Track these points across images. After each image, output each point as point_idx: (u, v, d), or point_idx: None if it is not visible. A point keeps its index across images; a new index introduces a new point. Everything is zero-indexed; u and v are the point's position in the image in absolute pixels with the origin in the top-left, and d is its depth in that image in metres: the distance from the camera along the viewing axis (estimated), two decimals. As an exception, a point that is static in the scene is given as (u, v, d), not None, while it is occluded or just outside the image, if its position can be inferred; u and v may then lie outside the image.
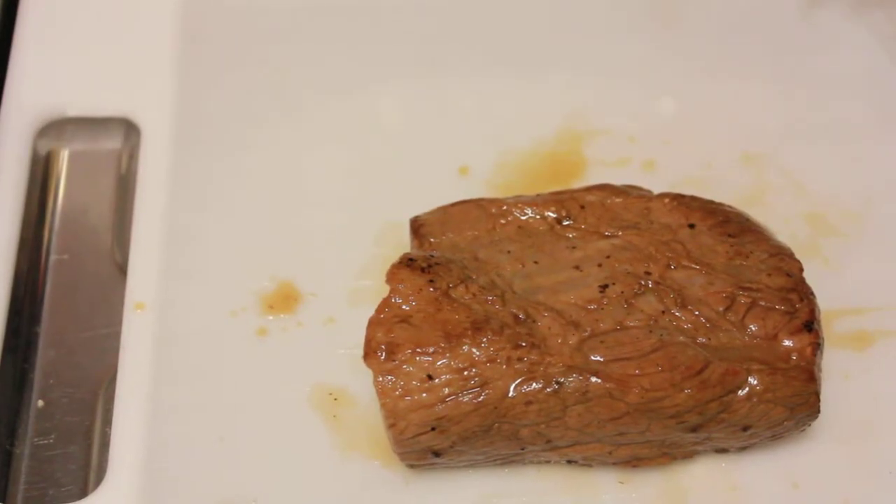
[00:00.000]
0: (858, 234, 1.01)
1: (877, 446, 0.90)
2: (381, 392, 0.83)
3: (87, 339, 0.97)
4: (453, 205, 0.93)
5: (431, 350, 0.83)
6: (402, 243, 0.96)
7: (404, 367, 0.83)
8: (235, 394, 0.92)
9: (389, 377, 0.83)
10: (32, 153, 1.05)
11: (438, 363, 0.83)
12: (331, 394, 0.92)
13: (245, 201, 1.02)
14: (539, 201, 0.93)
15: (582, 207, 0.92)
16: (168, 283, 0.97)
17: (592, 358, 0.83)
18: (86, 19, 1.14)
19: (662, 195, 0.93)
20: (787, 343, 0.85)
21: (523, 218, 0.92)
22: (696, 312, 0.86)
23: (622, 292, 0.87)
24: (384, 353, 0.83)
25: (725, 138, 1.07)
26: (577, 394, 0.83)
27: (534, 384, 0.83)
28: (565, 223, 0.92)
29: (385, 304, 0.85)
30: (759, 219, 0.94)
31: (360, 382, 0.91)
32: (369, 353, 0.83)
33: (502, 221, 0.92)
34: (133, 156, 1.07)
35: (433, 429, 0.83)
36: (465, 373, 0.83)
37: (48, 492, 0.90)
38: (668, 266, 0.88)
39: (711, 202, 0.93)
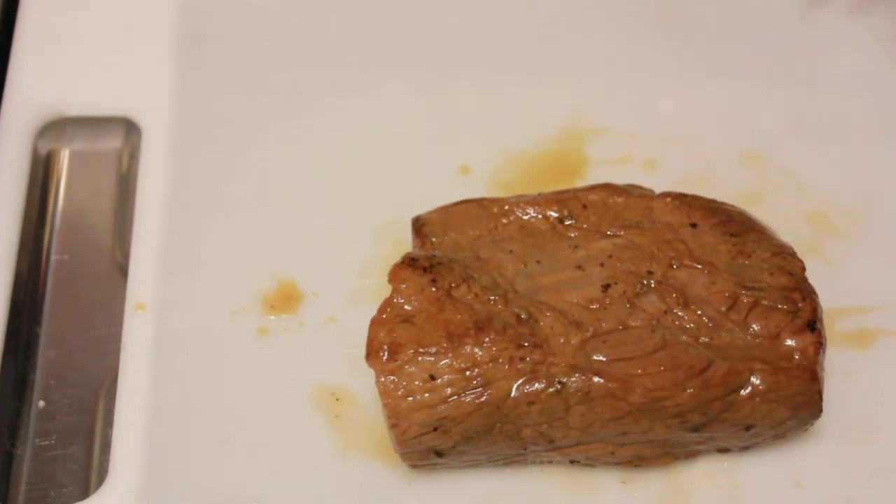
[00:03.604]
0: (859, 232, 1.02)
1: (879, 445, 0.90)
2: (384, 392, 0.82)
3: (87, 340, 0.97)
4: (455, 204, 0.93)
5: (434, 350, 0.83)
6: (404, 243, 0.96)
7: (406, 367, 0.83)
8: (237, 394, 0.92)
9: (392, 377, 0.82)
10: (33, 153, 1.05)
11: (441, 363, 0.83)
12: (332, 394, 0.92)
13: (246, 201, 1.02)
14: (541, 201, 0.92)
15: (584, 207, 0.92)
16: (169, 283, 0.97)
17: (595, 358, 0.83)
18: (86, 19, 1.14)
19: (664, 194, 0.93)
20: (789, 342, 0.85)
21: (525, 217, 0.92)
22: (699, 312, 0.86)
23: (624, 292, 0.87)
24: (386, 353, 0.83)
25: (726, 137, 1.07)
26: (579, 394, 0.82)
27: (536, 384, 0.83)
28: (567, 222, 0.92)
29: (387, 303, 0.85)
30: (761, 218, 0.94)
31: (361, 382, 0.91)
32: (371, 353, 0.83)
33: (504, 221, 0.92)
34: (134, 155, 1.07)
35: (435, 429, 0.83)
36: (468, 373, 0.83)
37: (49, 493, 0.90)
38: (671, 265, 0.88)
39: (713, 201, 0.93)
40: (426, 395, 0.82)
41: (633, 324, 0.85)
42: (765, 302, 0.86)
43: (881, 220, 1.02)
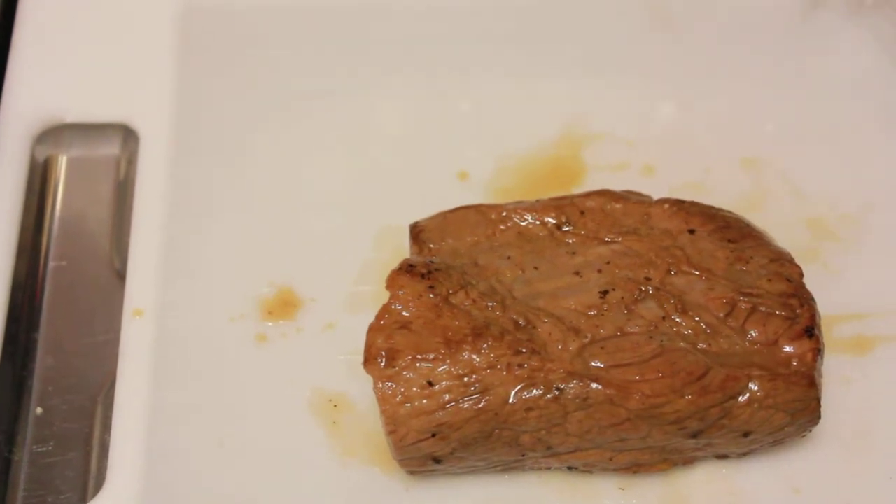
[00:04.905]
0: (858, 238, 1.01)
1: (877, 451, 0.90)
2: (382, 398, 0.82)
3: (85, 346, 0.97)
4: (453, 210, 0.93)
5: (432, 356, 0.83)
6: (402, 249, 0.96)
7: (404, 373, 0.82)
8: (235, 400, 0.92)
9: (390, 384, 0.82)
10: (31, 159, 1.05)
11: (439, 369, 0.83)
12: (330, 400, 0.92)
13: (244, 207, 1.02)
14: (539, 207, 0.92)
15: (582, 213, 0.92)
16: (167, 289, 0.97)
17: (593, 364, 0.83)
18: (84, 25, 1.14)
19: (662, 200, 0.93)
20: (787, 349, 0.85)
21: (523, 224, 0.92)
22: (697, 318, 0.86)
23: (622, 298, 0.87)
24: (384, 360, 0.83)
25: (724, 143, 1.07)
26: (577, 400, 0.82)
27: (534, 390, 0.82)
28: (565, 229, 0.92)
29: (385, 310, 0.85)
30: (759, 224, 0.94)
31: (359, 388, 0.91)
32: (369, 360, 0.83)
33: (502, 227, 0.92)
34: (131, 162, 1.07)
35: (433, 435, 0.83)
36: (466, 379, 0.82)
37: (47, 499, 0.90)
38: (669, 272, 0.88)
39: (711, 207, 0.93)
40: (424, 401, 0.82)
41: (631, 330, 0.85)
42: (763, 308, 0.86)
43: (880, 226, 1.02)
